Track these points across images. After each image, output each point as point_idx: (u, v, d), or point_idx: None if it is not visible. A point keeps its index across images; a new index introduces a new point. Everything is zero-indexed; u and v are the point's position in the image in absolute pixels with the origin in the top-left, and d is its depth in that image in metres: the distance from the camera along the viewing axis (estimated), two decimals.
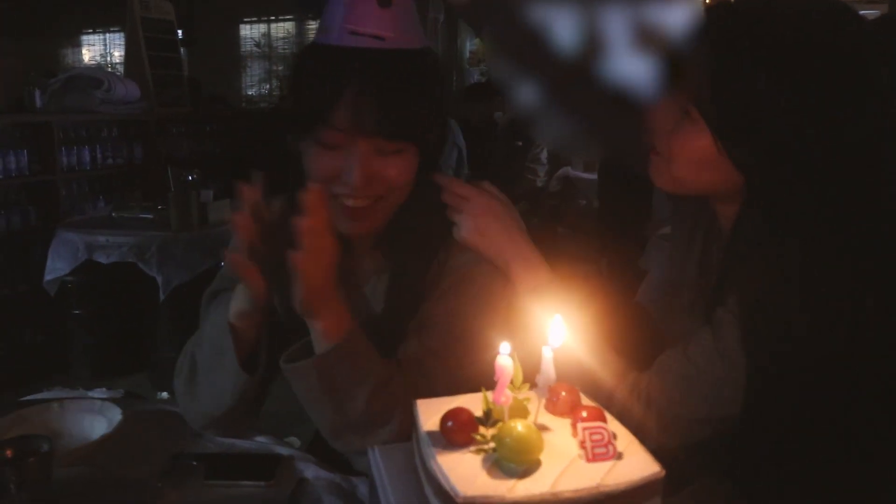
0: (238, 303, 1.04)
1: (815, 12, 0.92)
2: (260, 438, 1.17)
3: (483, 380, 0.75)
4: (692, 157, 0.97)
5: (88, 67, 7.56)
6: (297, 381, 1.00)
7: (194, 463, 1.06)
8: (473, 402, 0.74)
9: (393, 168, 1.01)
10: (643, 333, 1.33)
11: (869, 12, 2.71)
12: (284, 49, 8.42)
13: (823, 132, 0.89)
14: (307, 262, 0.91)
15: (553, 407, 0.77)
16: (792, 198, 0.92)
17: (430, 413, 0.74)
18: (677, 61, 0.98)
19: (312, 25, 8.10)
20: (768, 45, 0.90)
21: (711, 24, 0.95)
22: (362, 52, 0.97)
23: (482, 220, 1.08)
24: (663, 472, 0.69)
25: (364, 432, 0.98)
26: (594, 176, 5.31)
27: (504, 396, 0.70)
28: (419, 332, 1.06)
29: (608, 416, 0.75)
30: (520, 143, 5.25)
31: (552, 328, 0.73)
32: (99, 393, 1.36)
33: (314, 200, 0.91)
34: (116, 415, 1.16)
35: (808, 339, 0.90)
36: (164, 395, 3.36)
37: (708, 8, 0.99)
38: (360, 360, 0.98)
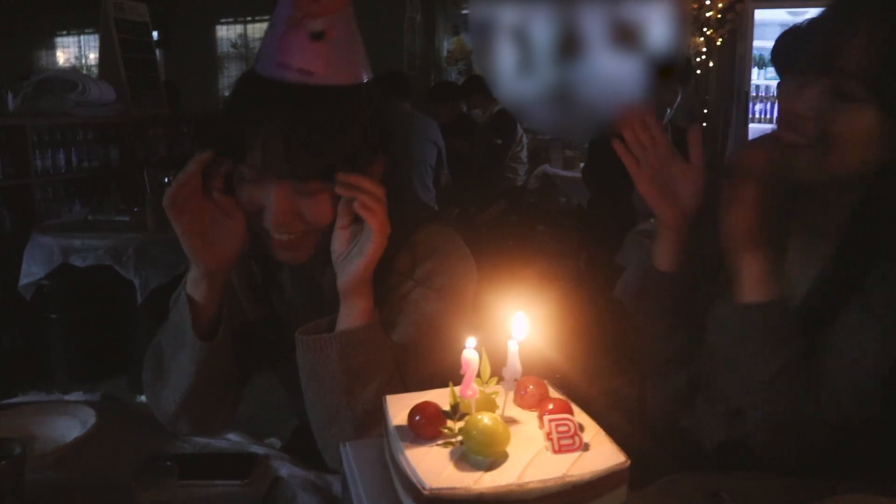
0: (191, 272, 1.07)
1: None
2: (234, 437, 1.17)
3: (454, 374, 0.76)
4: (854, 137, 0.96)
5: (62, 70, 7.48)
6: (315, 353, 1.00)
7: (168, 463, 1.06)
8: (441, 397, 0.75)
9: (308, 208, 1.01)
10: (619, 327, 1.34)
11: None
12: None
13: None
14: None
15: (521, 400, 0.78)
16: None
17: (399, 408, 0.75)
18: (829, 43, 0.98)
19: None
20: None
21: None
22: (287, 87, 0.95)
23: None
24: (629, 462, 0.70)
25: (361, 423, 0.99)
26: (573, 173, 5.34)
27: (471, 390, 0.70)
28: (390, 328, 1.07)
29: (575, 408, 0.77)
30: (499, 142, 5.27)
31: (515, 323, 0.74)
32: (76, 396, 1.35)
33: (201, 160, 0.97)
34: (90, 417, 1.15)
35: None
36: (143, 398, 3.33)
37: None
38: (381, 346, 1.01)
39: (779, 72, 2.42)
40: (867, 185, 1.02)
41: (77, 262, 3.13)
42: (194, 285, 1.08)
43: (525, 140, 5.54)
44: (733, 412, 1.14)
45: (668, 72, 1.00)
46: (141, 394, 3.45)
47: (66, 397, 1.35)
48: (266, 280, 1.20)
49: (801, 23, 1.66)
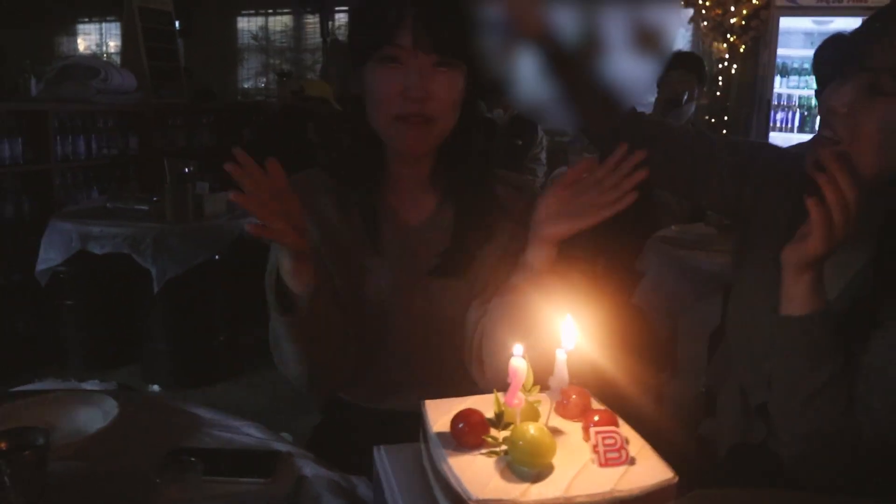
0: (285, 262, 1.05)
1: None
2: (256, 433, 1.15)
3: None
4: (885, 133, 0.97)
5: (84, 56, 7.48)
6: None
7: (192, 459, 1.04)
8: (483, 404, 0.73)
9: (445, 85, 1.12)
10: (645, 336, 1.31)
11: None
12: (282, 42, 8.36)
13: None
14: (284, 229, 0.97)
15: (563, 410, 0.76)
16: None
17: (439, 414, 0.73)
18: (859, 38, 1.00)
19: (311, 20, 8.04)
20: None
21: None
22: None
23: None
24: (676, 478, 0.68)
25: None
26: None
27: (516, 399, 0.68)
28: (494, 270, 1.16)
29: (620, 421, 0.74)
30: (520, 143, 5.25)
31: (564, 329, 0.72)
32: (91, 385, 1.34)
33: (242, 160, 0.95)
34: (113, 407, 1.13)
35: None
36: (156, 387, 3.33)
37: None
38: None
39: (819, 81, 2.41)
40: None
41: (95, 249, 3.13)
42: (293, 274, 1.04)
43: (545, 141, 5.51)
44: (753, 418, 1.12)
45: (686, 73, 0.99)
46: (153, 384, 3.44)
47: (83, 385, 1.34)
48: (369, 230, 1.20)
49: (845, 32, 1.64)
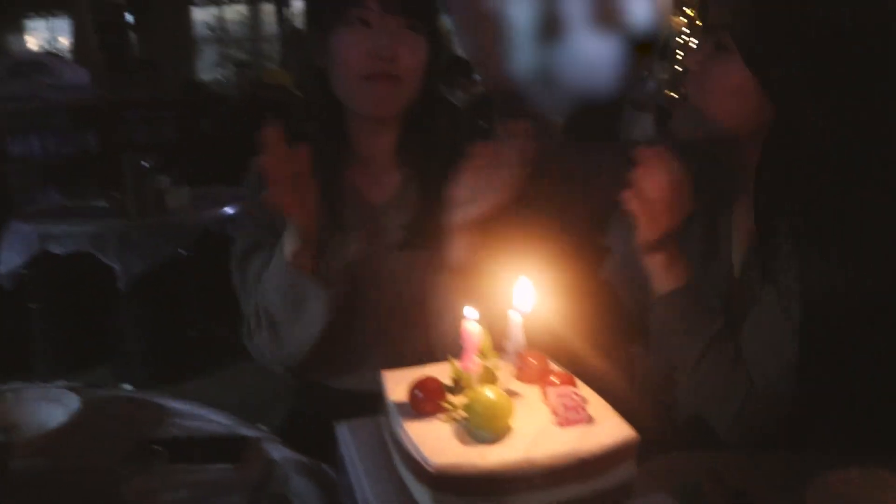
0: (291, 245, 1.10)
1: None
2: (224, 420, 1.14)
3: None
4: (726, 89, 0.98)
5: (34, 52, 7.28)
6: None
7: (158, 448, 1.03)
8: (441, 372, 0.73)
9: (411, 47, 1.15)
10: (614, 311, 1.33)
11: None
12: (238, 32, 8.23)
13: (861, 51, 0.92)
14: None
15: (522, 374, 0.76)
16: (825, 132, 0.93)
17: (397, 383, 0.73)
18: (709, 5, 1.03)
19: (268, 8, 7.93)
20: None
21: None
22: None
23: None
24: (637, 437, 0.68)
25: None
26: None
27: (472, 363, 0.68)
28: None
29: (578, 382, 0.75)
30: (482, 123, 5.21)
31: (519, 291, 0.72)
32: (57, 386, 1.31)
33: (272, 138, 0.99)
34: (74, 403, 1.11)
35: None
36: (128, 387, 3.29)
37: None
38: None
39: None
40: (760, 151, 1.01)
41: (56, 249, 3.07)
42: (298, 256, 1.10)
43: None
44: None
45: (647, 49, 1.01)
46: (124, 383, 3.38)
47: (48, 386, 1.31)
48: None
49: None
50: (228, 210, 3.20)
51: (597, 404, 0.72)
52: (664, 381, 1.30)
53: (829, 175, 0.94)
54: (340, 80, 1.18)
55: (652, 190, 0.99)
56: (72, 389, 1.18)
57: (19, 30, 9.04)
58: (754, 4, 0.97)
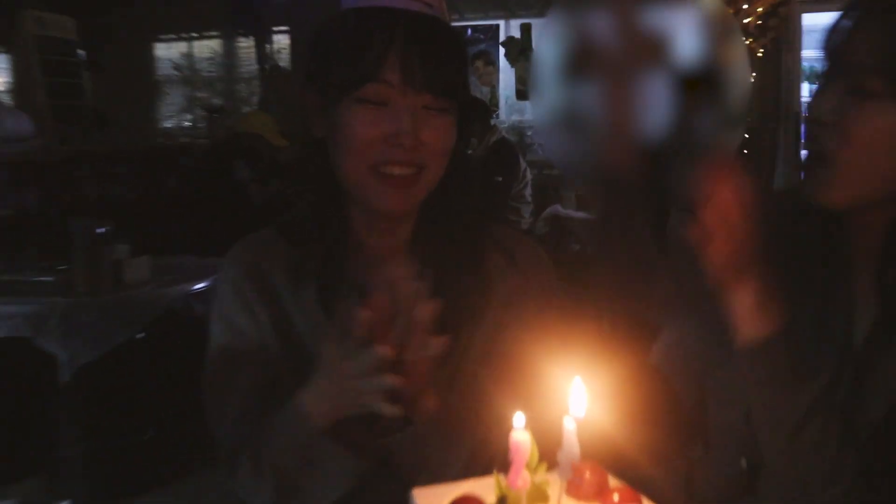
0: (318, 399, 1.04)
1: None
2: None
3: None
4: (879, 139, 0.99)
5: None
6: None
7: None
8: (482, 488, 0.74)
9: (436, 130, 1.14)
10: (666, 403, 1.34)
11: None
12: (210, 72, 8.43)
13: None
14: None
15: (576, 490, 0.77)
16: None
17: (432, 502, 0.74)
18: (836, 34, 1.03)
19: (244, 43, 8.15)
20: None
21: None
22: (409, 14, 1.12)
23: None
24: None
25: None
26: (589, 215, 5.37)
27: (521, 479, 0.70)
28: (483, 360, 1.17)
29: (644, 500, 0.76)
30: (500, 179, 5.30)
31: (573, 394, 0.74)
32: None
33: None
34: None
35: None
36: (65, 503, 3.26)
37: None
38: None
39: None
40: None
41: None
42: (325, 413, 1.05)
43: (529, 175, 5.57)
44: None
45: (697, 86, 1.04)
46: (63, 499, 3.34)
47: None
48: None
49: None
50: (197, 285, 3.25)
51: None
52: (728, 485, 1.30)
53: None
54: (344, 164, 1.15)
55: (726, 200, 0.97)
56: None
57: None
58: None
